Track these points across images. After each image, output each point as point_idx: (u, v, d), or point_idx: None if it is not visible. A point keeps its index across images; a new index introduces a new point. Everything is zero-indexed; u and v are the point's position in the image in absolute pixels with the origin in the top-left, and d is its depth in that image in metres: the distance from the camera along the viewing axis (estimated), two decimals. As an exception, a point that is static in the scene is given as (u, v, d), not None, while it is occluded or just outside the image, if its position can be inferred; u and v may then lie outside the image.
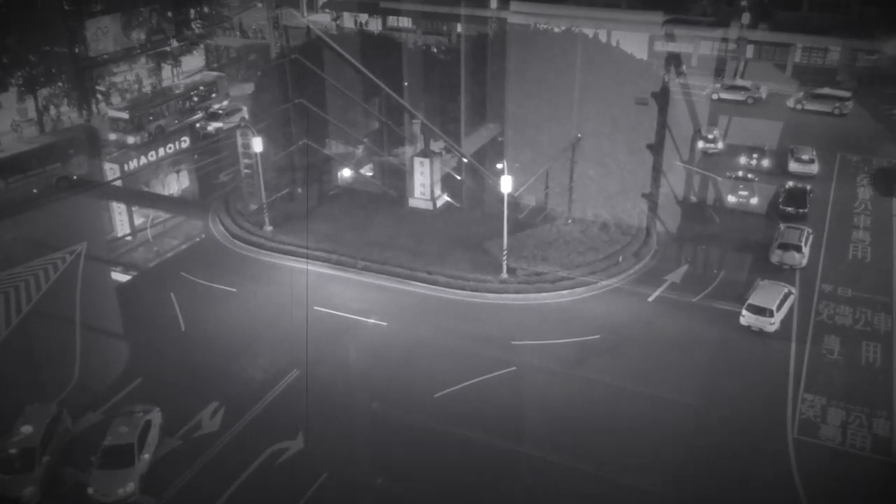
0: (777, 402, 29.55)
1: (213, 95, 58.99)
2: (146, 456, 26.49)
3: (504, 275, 37.33)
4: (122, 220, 44.62)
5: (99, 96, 59.65)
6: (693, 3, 66.12)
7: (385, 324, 34.62)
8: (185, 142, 53.68)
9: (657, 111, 41.03)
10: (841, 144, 52.11)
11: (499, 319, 34.97)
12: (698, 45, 67.12)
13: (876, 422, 28.51)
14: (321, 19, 74.99)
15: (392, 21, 74.46)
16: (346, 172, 47.38)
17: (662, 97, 41.28)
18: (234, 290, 37.11)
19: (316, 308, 35.39)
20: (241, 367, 31.79)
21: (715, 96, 59.87)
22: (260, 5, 76.08)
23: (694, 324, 34.13)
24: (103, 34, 58.88)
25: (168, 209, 46.37)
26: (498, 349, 32.55)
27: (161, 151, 51.37)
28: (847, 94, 58.20)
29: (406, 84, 43.45)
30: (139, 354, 32.81)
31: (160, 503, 25.80)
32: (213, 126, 55.35)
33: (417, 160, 42.78)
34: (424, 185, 43.15)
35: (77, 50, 56.58)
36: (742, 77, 63.96)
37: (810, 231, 39.55)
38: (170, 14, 63.16)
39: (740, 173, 45.76)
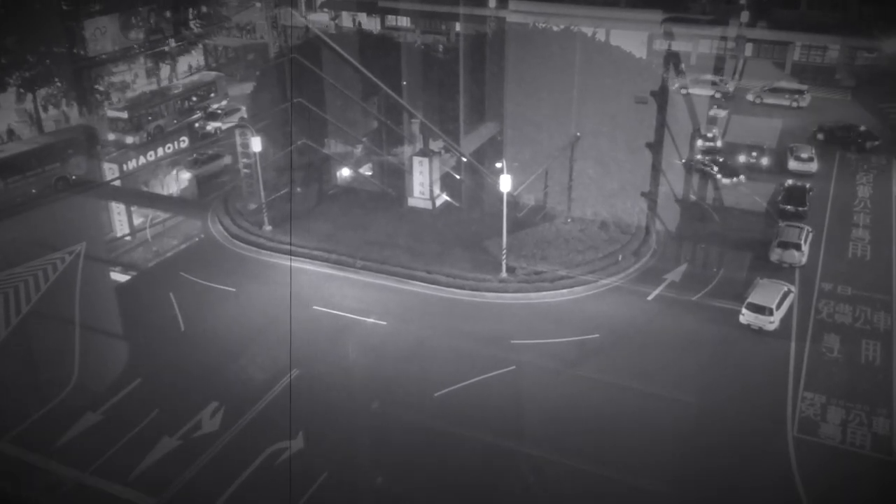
0: (777, 400, 29.54)
1: (212, 95, 58.97)
2: None
3: (503, 274, 37.32)
4: (121, 220, 44.58)
5: (98, 96, 59.61)
6: (692, 1, 66.02)
7: (384, 323, 34.61)
8: (184, 142, 53.69)
9: (656, 110, 41.03)
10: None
11: (498, 318, 34.97)
12: (697, 44, 67.09)
13: (876, 420, 28.51)
14: (320, 19, 74.90)
15: (391, 20, 74.41)
16: (346, 172, 47.37)
17: (661, 96, 41.28)
18: (233, 289, 37.09)
19: (315, 307, 35.40)
20: (240, 366, 31.78)
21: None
22: (258, 5, 76.00)
23: (693, 322, 34.13)
24: (101, 34, 58.92)
25: (167, 209, 46.35)
26: (497, 348, 32.54)
27: (160, 151, 51.37)
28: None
29: (405, 83, 43.42)
30: (138, 354, 32.80)
31: (160, 503, 25.79)
32: (211, 126, 55.35)
33: (416, 159, 42.77)
34: (423, 185, 43.14)
35: (75, 50, 56.59)
36: (741, 76, 63.97)
37: (810, 229, 39.55)
38: (168, 14, 63.16)
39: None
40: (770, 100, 58.97)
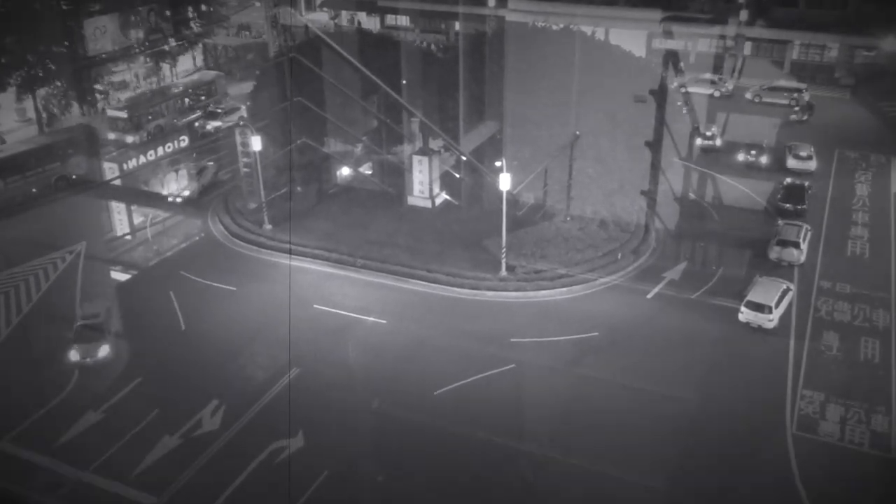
0: (776, 398, 29.60)
1: (209, 94, 58.92)
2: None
3: (503, 272, 37.37)
4: (121, 219, 44.63)
5: (97, 95, 59.63)
6: (691, 0, 66.02)
7: (384, 322, 34.66)
8: (184, 141, 53.71)
9: (655, 108, 41.06)
10: (838, 141, 52.14)
11: (498, 317, 35.02)
12: (696, 43, 67.06)
13: (875, 417, 28.57)
14: (319, 18, 74.89)
15: (390, 19, 74.39)
16: (345, 171, 47.40)
17: (660, 94, 41.31)
18: (233, 288, 37.14)
19: (315, 306, 35.45)
20: (240, 365, 31.84)
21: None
22: (258, 4, 75.99)
23: (692, 321, 34.18)
24: (101, 34, 58.93)
25: (167, 208, 46.37)
26: (497, 346, 32.60)
27: (160, 150, 51.39)
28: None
29: (404, 82, 43.44)
30: (139, 353, 32.86)
31: (160, 502, 25.85)
32: (211, 125, 55.37)
33: (416, 158, 42.80)
34: (423, 183, 43.18)
35: (76, 50, 56.60)
36: (740, 74, 63.97)
37: (808, 227, 39.60)
38: (168, 13, 63.17)
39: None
40: (769, 98, 59.01)
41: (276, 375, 31.01)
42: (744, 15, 63.45)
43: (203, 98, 58.06)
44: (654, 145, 41.51)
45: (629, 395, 29.89)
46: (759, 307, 33.22)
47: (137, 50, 62.15)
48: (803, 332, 33.28)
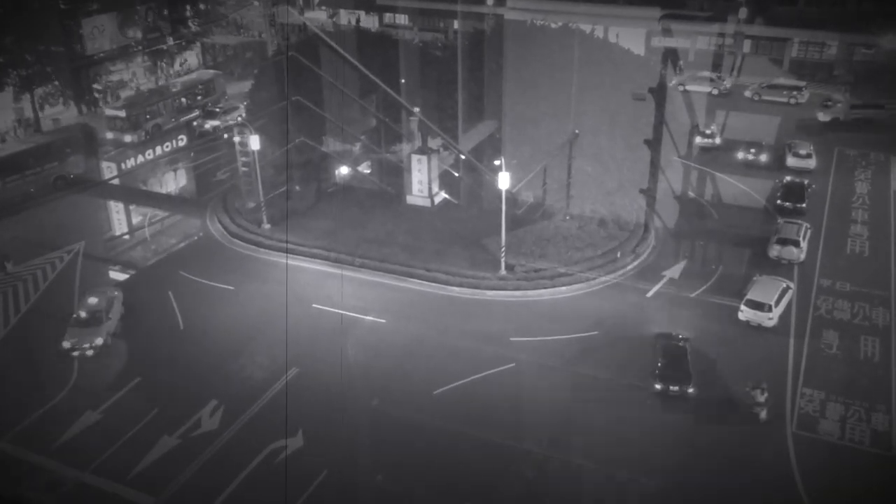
0: (776, 396, 29.54)
1: (207, 93, 58.83)
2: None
3: (502, 271, 37.32)
4: (119, 218, 44.53)
5: (96, 94, 59.53)
6: (690, -2, 66.03)
7: (383, 321, 34.61)
8: (182, 140, 53.62)
9: (655, 107, 41.00)
10: (838, 139, 52.11)
11: (497, 316, 34.97)
12: (695, 41, 67.03)
13: (874, 416, 28.56)
14: (318, 16, 74.79)
15: (389, 18, 74.33)
16: (344, 170, 47.32)
17: (660, 93, 41.26)
18: (232, 288, 37.08)
19: (314, 306, 35.40)
20: (239, 365, 31.79)
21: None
22: (257, 3, 75.88)
23: (692, 319, 34.13)
24: (100, 33, 58.85)
25: (166, 207, 46.31)
26: (496, 346, 32.55)
27: (158, 150, 51.30)
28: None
29: (403, 81, 43.38)
30: (138, 353, 32.81)
31: (160, 502, 25.80)
32: (210, 124, 55.27)
33: (415, 157, 42.73)
34: (422, 182, 43.13)
35: (74, 49, 56.51)
36: (739, 72, 63.94)
37: (808, 226, 39.57)
38: (166, 12, 63.06)
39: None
40: (768, 96, 59.00)
41: (274, 375, 30.97)
42: (743, 12, 63.43)
43: (201, 97, 58.01)
44: (654, 143, 41.46)
45: (629, 394, 29.84)
46: (758, 306, 33.18)
47: (136, 49, 62.04)
48: (803, 331, 33.24)
